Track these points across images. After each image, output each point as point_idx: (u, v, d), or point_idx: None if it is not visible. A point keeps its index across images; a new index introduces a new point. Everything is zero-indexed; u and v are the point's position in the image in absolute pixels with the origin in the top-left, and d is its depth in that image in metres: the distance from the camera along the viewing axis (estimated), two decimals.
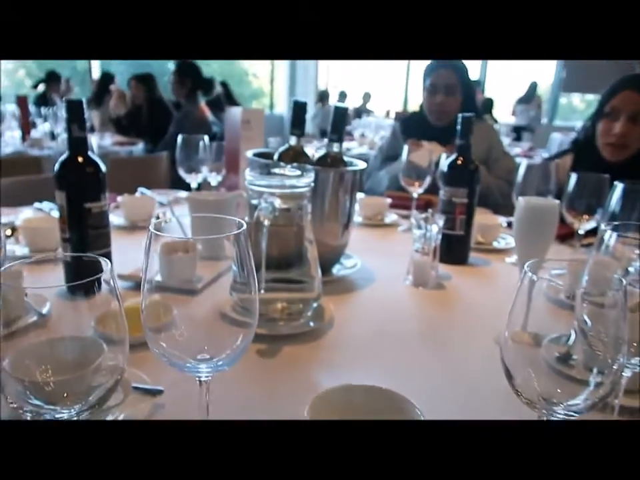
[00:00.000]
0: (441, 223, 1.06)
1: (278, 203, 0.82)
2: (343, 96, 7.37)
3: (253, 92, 14.08)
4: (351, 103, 7.35)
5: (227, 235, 0.46)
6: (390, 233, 1.53)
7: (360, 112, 6.10)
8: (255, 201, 0.84)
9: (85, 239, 0.96)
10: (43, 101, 4.70)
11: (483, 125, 1.98)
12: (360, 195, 1.69)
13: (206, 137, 1.61)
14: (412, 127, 2.06)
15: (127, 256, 0.97)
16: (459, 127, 1.19)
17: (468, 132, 1.19)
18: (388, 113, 5.53)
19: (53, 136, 3.41)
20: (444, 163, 1.24)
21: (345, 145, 4.15)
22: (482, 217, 1.41)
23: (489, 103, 6.02)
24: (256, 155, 1.11)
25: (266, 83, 12.38)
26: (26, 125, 3.29)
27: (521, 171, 1.19)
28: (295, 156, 1.06)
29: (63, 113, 3.66)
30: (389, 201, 1.67)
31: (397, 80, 8.40)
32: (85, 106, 0.91)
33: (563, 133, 5.40)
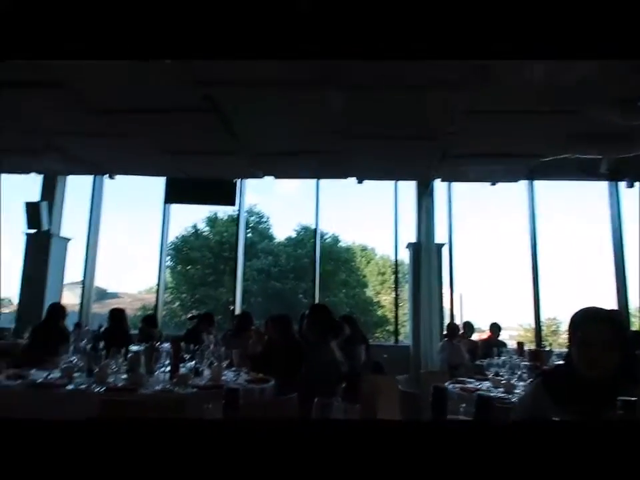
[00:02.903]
0: None
1: None
2: (470, 327, 7.26)
3: (377, 320, 14.58)
4: (480, 335, 7.19)
5: None
6: None
7: (489, 347, 5.87)
8: None
9: None
10: (193, 335, 5.27)
11: None
12: None
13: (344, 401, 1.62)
14: (557, 382, 1.89)
15: None
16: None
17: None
18: (521, 347, 5.24)
19: (197, 372, 3.70)
20: None
21: (478, 385, 3.90)
22: None
23: None
24: None
25: (390, 311, 12.78)
26: (176, 365, 3.63)
27: None
28: None
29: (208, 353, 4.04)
30: None
31: (524, 306, 8.22)
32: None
33: None
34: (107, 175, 8.78)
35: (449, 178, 8.05)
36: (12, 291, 8.73)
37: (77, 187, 9.44)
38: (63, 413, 2.86)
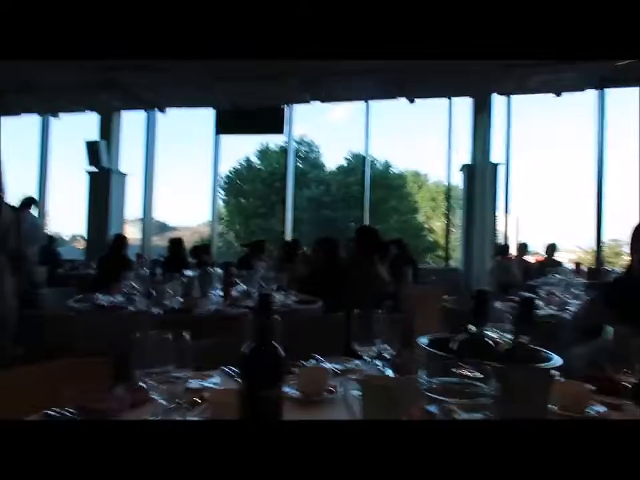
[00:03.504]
0: None
1: (457, 414, 0.72)
2: (524, 248, 7.03)
3: (428, 245, 14.47)
4: (536, 257, 6.97)
5: None
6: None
7: (547, 265, 5.69)
8: (431, 409, 0.75)
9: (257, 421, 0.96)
10: (245, 261, 5.43)
11: None
12: None
13: (385, 310, 1.59)
14: (617, 295, 1.79)
15: None
16: None
17: None
18: (578, 267, 5.04)
19: (248, 295, 3.84)
20: None
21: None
22: None
23: None
24: (432, 342, 1.04)
25: (441, 236, 12.61)
26: (227, 288, 3.77)
27: None
28: (477, 348, 0.96)
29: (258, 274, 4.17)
30: (592, 388, 1.39)
31: (585, 226, 7.83)
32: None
33: None
34: (159, 110, 8.89)
35: (509, 90, 7.44)
36: (81, 227, 9.32)
37: (131, 124, 9.66)
38: (125, 331, 3.06)
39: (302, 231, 12.89)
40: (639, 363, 1.26)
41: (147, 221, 9.75)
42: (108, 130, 9.07)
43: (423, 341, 1.06)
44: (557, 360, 0.93)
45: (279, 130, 8.30)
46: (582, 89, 7.18)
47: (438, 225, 14.54)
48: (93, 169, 8.84)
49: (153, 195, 9.85)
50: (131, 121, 9.69)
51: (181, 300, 3.73)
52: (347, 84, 6.75)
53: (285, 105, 8.21)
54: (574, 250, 11.99)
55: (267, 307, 0.96)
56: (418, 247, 13.38)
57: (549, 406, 1.35)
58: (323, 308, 3.57)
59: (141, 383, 1.06)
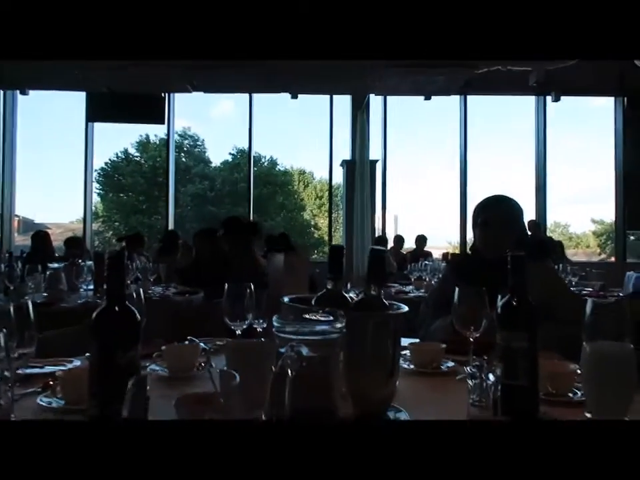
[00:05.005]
0: (499, 371, 0.93)
1: (305, 351, 0.75)
2: (400, 241, 7.52)
3: (315, 241, 14.81)
4: (408, 248, 7.49)
5: None
6: (447, 382, 1.38)
7: (416, 256, 6.14)
8: (283, 350, 0.78)
9: (113, 392, 0.92)
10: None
11: (543, 268, 1.89)
12: (411, 341, 1.59)
13: (252, 285, 1.62)
14: (464, 268, 2.00)
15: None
16: (509, 267, 1.12)
17: (520, 270, 1.11)
18: (446, 256, 5.53)
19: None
20: (497, 305, 1.14)
21: (402, 288, 4.10)
22: (550, 364, 1.25)
23: (552, 245, 5.91)
24: (293, 300, 1.08)
25: (326, 233, 12.96)
26: (99, 280, 3.53)
27: (588, 311, 1.07)
28: (333, 301, 1.01)
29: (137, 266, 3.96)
30: (444, 346, 1.54)
31: (453, 222, 8.57)
32: (125, 257, 0.94)
33: (637, 270, 5.09)
34: (19, 91, 7.98)
35: (384, 91, 7.90)
36: None
37: None
38: None
39: (186, 228, 12.47)
40: (480, 320, 1.42)
41: (5, 215, 8.74)
42: None
43: (285, 299, 1.09)
44: (403, 307, 1.01)
45: (160, 120, 7.93)
46: (448, 94, 7.86)
47: (323, 222, 14.92)
48: None
49: (14, 187, 8.87)
50: None
51: (45, 294, 3.44)
52: (229, 75, 6.65)
53: (166, 94, 7.87)
54: (445, 246, 13.10)
55: (117, 267, 0.92)
56: (305, 243, 13.63)
57: (408, 364, 1.48)
58: (204, 297, 3.50)
59: None
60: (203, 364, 1.45)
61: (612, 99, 8.37)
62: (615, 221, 8.69)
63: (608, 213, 9.11)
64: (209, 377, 0.95)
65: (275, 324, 0.81)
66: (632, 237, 8.91)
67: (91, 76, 6.55)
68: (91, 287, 3.67)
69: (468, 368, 0.97)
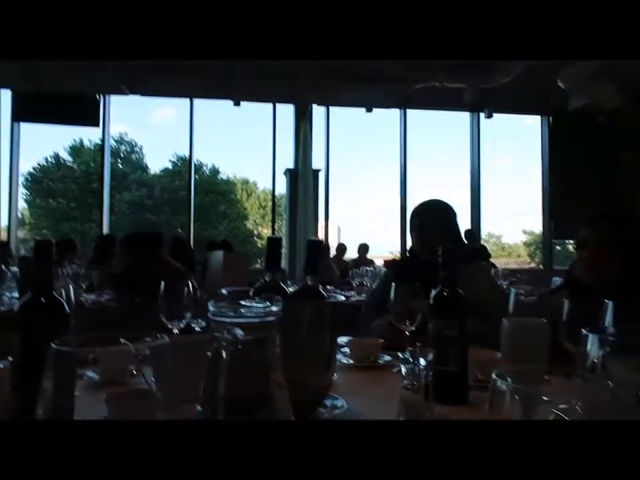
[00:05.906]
0: (430, 356, 0.97)
1: (241, 334, 0.75)
2: (342, 249, 7.63)
3: (257, 251, 14.69)
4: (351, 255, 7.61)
5: None
6: (384, 374, 1.42)
7: (359, 264, 6.25)
8: (218, 334, 0.77)
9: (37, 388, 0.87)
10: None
11: (479, 269, 1.99)
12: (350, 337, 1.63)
13: (190, 284, 1.59)
14: (402, 269, 2.06)
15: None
16: (440, 260, 1.17)
17: (450, 263, 1.16)
18: (388, 263, 5.66)
19: None
20: (430, 296, 1.19)
21: (345, 292, 4.14)
22: (479, 352, 1.31)
23: (486, 252, 6.21)
24: (231, 292, 1.07)
25: None
26: (25, 287, 3.32)
27: (511, 300, 1.13)
28: (271, 291, 1.01)
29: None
30: (381, 341, 1.58)
31: (394, 232, 8.79)
32: (53, 249, 0.90)
33: (562, 276, 5.44)
34: None
35: (326, 102, 8.03)
36: None
37: None
38: None
39: (122, 235, 12.01)
40: (416, 315, 1.47)
41: None
42: None
43: (223, 291, 1.08)
44: (339, 297, 1.03)
45: (94, 122, 7.60)
46: (389, 107, 8.11)
47: (266, 231, 14.83)
48: None
49: None
50: None
51: None
52: (168, 78, 6.51)
53: (100, 96, 7.57)
54: (387, 255, 13.42)
55: (45, 255, 0.88)
56: (248, 253, 13.50)
57: (347, 359, 1.50)
58: (141, 302, 3.39)
59: None
60: (135, 371, 1.40)
61: (539, 117, 8.94)
62: (542, 232, 9.26)
63: (537, 224, 9.68)
64: (142, 376, 0.92)
65: (211, 308, 0.80)
66: (558, 247, 9.52)
67: (17, 71, 6.18)
68: (16, 294, 3.46)
69: (401, 354, 1.00)
